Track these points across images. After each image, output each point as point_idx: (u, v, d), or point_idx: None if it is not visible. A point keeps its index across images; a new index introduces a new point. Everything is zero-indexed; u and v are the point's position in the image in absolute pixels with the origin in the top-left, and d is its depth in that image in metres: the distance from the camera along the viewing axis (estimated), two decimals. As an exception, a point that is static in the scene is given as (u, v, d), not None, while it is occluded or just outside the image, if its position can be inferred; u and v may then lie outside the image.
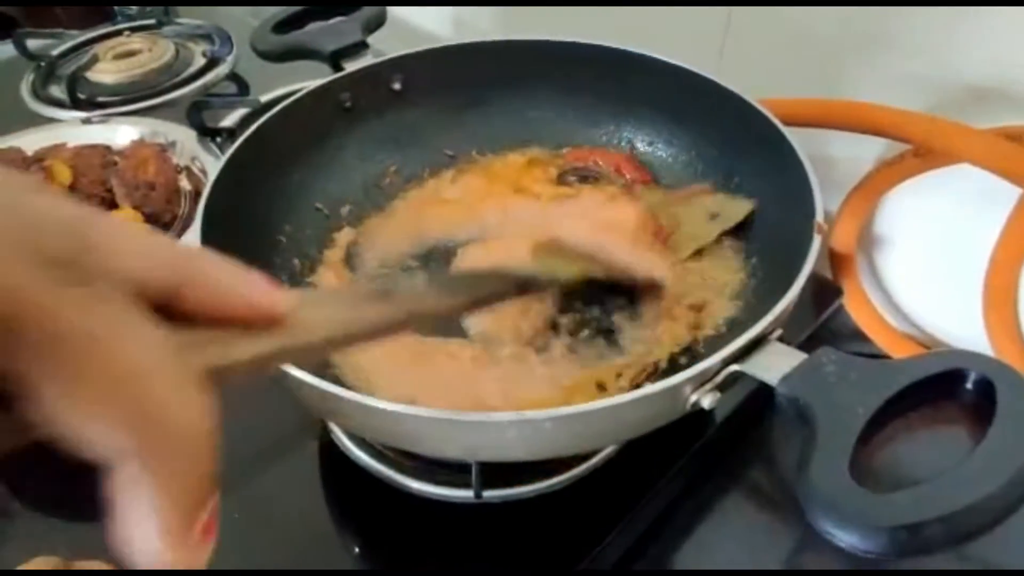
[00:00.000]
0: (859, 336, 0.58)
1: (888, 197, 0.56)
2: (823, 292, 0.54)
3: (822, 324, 0.53)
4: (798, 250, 0.35)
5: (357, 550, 0.40)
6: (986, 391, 0.25)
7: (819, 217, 0.35)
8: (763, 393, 0.47)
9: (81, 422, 0.15)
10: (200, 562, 0.18)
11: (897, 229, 0.57)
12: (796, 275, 0.32)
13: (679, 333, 0.41)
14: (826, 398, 0.25)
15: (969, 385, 0.26)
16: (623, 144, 0.53)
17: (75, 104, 0.76)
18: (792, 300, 0.31)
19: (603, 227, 0.48)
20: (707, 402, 0.29)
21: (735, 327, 0.41)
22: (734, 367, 0.29)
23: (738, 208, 0.46)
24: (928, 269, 0.57)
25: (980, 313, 0.51)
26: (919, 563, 0.42)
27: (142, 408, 0.16)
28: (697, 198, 0.48)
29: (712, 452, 0.45)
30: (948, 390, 0.26)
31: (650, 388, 0.28)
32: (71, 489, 0.51)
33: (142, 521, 0.16)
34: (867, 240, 0.59)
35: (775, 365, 0.28)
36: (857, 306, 0.59)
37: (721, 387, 0.30)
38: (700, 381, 0.29)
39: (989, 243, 0.49)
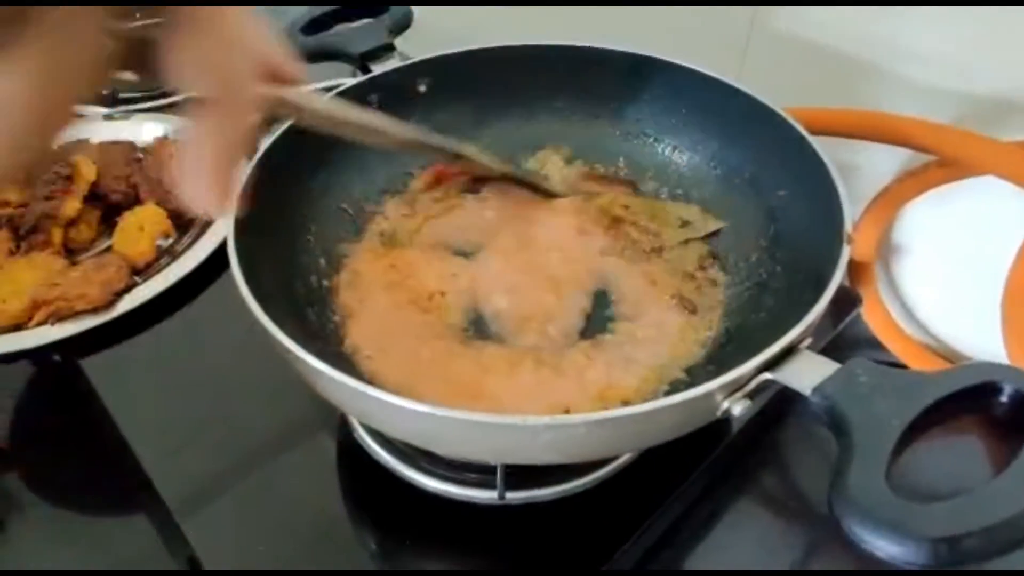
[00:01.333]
0: (875, 345, 0.59)
1: (908, 207, 0.56)
2: (842, 300, 0.54)
3: (840, 333, 0.53)
4: (826, 258, 0.35)
5: (374, 547, 0.40)
6: (1021, 404, 0.25)
7: (848, 227, 0.35)
8: (780, 401, 0.48)
9: (189, 74, 0.25)
10: (224, 211, 0.27)
11: (916, 239, 0.58)
12: (826, 284, 0.32)
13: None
14: (861, 408, 0.26)
15: (1004, 398, 0.26)
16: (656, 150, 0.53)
17: (98, 99, 0.76)
18: (823, 309, 0.31)
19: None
20: (738, 409, 0.30)
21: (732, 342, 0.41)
22: (766, 375, 0.29)
23: (710, 222, 0.48)
24: (947, 280, 0.57)
25: (998, 325, 0.51)
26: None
27: (227, 75, 0.25)
28: (673, 204, 0.50)
29: (729, 458, 0.45)
30: (983, 403, 0.26)
31: (683, 395, 0.28)
32: (84, 482, 0.53)
33: (196, 161, 0.25)
34: (886, 249, 0.59)
35: (807, 374, 0.29)
36: (874, 315, 0.59)
37: (751, 395, 0.30)
38: (732, 388, 0.29)
39: (1009, 256, 0.49)
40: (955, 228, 0.54)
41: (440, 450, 0.33)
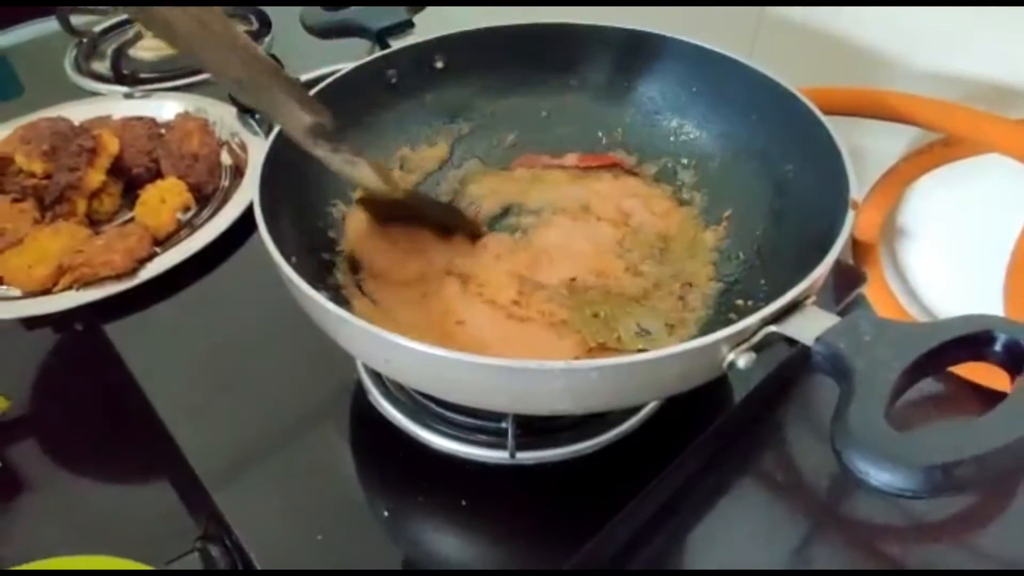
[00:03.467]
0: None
1: (913, 189, 0.57)
2: (846, 278, 0.55)
3: (843, 310, 0.54)
4: (831, 223, 0.36)
5: (387, 505, 0.41)
6: (1013, 352, 0.27)
7: (853, 193, 0.36)
8: (780, 381, 0.49)
9: None
10: None
11: (921, 220, 0.58)
12: (831, 244, 0.33)
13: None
14: (862, 354, 0.27)
15: (997, 347, 0.27)
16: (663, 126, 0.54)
17: (118, 79, 0.78)
18: (828, 266, 0.32)
19: (620, 214, 0.50)
20: (743, 362, 0.31)
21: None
22: (771, 328, 0.31)
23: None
24: (951, 262, 0.58)
25: (1002, 306, 0.52)
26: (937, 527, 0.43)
27: None
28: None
29: (732, 431, 0.47)
30: (977, 350, 0.27)
31: (690, 344, 0.29)
32: (107, 445, 0.54)
33: None
34: (890, 232, 0.60)
35: (811, 326, 0.30)
36: (878, 297, 0.60)
37: (757, 348, 0.31)
38: (737, 340, 0.31)
39: (1014, 235, 0.50)
40: (960, 209, 0.55)
41: (455, 397, 0.34)
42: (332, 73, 0.50)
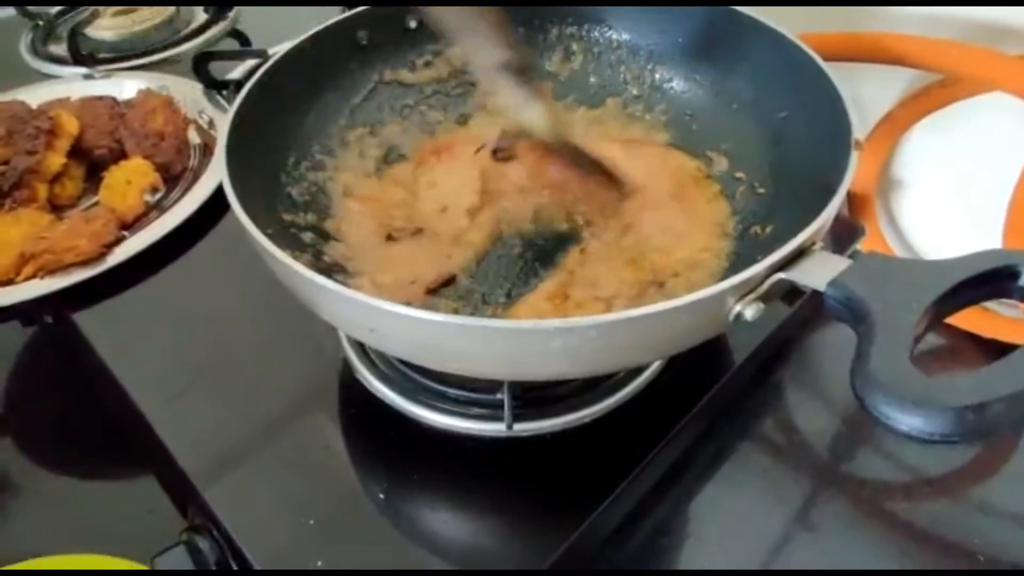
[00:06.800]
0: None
1: (908, 137, 0.55)
2: (843, 231, 0.54)
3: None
4: (833, 168, 0.34)
5: (382, 485, 0.39)
6: (1038, 287, 0.25)
7: (856, 131, 0.35)
8: (776, 340, 0.47)
9: None
10: None
11: (917, 171, 0.57)
12: (835, 188, 0.32)
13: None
14: (879, 295, 0.25)
15: (1022, 282, 0.25)
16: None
17: (76, 60, 0.74)
18: (835, 209, 0.31)
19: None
20: (750, 313, 0.29)
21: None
22: (780, 275, 0.29)
23: None
24: (948, 211, 0.57)
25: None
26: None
27: None
28: None
29: (732, 396, 0.45)
30: (998, 287, 0.26)
31: (694, 295, 0.28)
32: (84, 438, 0.52)
33: None
34: (886, 184, 0.59)
35: (821, 270, 0.28)
36: (874, 249, 0.59)
37: (765, 298, 0.29)
38: (744, 290, 0.29)
39: (1013, 176, 0.49)
40: (955, 155, 0.54)
41: (448, 366, 0.32)
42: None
